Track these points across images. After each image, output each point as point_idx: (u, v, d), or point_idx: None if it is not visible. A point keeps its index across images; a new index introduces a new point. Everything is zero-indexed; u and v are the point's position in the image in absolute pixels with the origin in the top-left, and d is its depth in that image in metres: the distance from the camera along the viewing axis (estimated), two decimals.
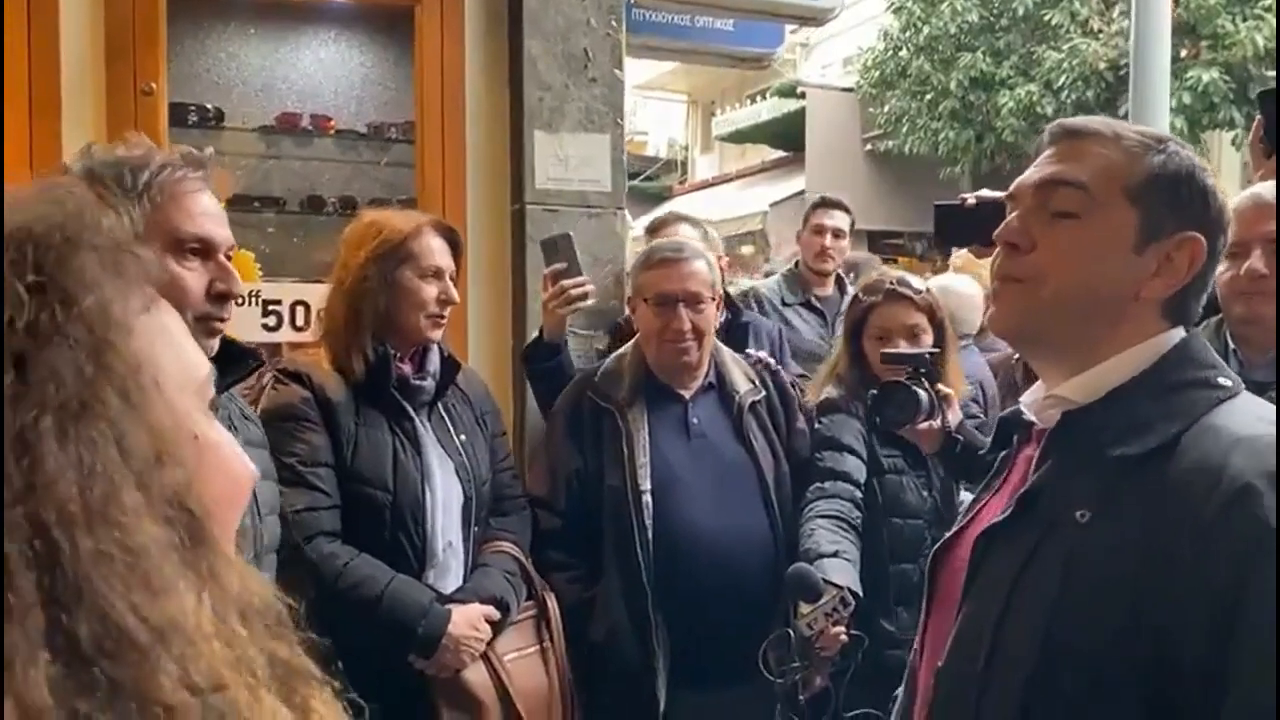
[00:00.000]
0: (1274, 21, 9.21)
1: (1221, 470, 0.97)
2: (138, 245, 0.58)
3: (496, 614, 2.13)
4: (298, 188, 3.04)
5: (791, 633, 2.00)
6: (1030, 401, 1.24)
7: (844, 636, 2.02)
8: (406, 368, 2.16)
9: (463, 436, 2.21)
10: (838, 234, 3.79)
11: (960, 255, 5.28)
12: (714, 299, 2.38)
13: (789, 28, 6.54)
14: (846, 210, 3.87)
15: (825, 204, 3.88)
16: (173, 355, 0.57)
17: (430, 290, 2.13)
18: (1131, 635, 0.99)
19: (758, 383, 2.45)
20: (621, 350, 2.45)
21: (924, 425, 2.20)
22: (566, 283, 2.51)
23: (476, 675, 2.10)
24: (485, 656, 2.11)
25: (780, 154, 16.86)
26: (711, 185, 18.33)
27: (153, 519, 0.51)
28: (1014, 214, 1.17)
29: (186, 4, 2.77)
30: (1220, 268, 1.93)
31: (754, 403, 2.40)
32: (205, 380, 0.60)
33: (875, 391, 2.23)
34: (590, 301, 2.58)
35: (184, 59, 2.87)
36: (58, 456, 0.48)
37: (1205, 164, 1.17)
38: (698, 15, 5.05)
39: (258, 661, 0.53)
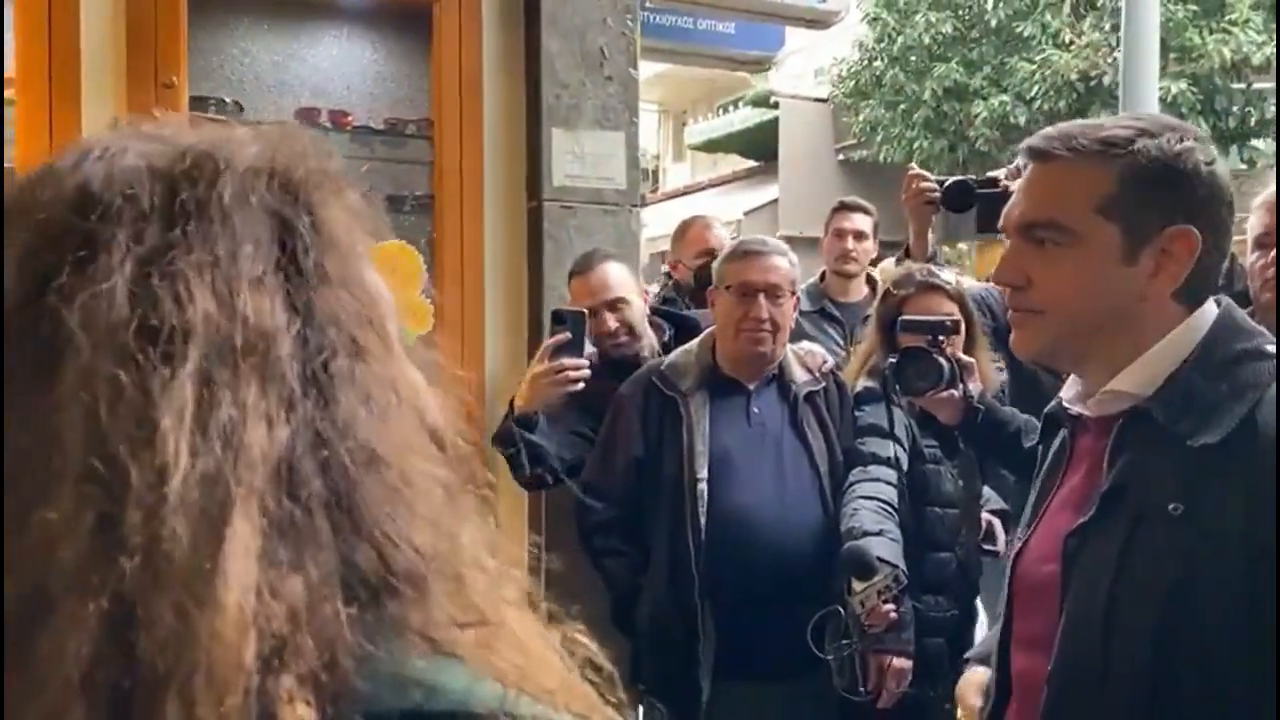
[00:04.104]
0: (1240, 35, 9.45)
1: None
2: (358, 188, 0.60)
3: None
4: None
5: (842, 610, 2.02)
6: (1072, 395, 1.24)
7: (893, 614, 2.04)
8: None
9: None
10: (859, 236, 3.66)
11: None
12: (792, 295, 2.40)
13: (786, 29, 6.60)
14: (868, 212, 3.73)
15: (845, 207, 3.75)
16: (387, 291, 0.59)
17: None
18: (1254, 616, 1.02)
19: (817, 374, 2.45)
20: (689, 345, 2.47)
21: (945, 394, 2.15)
22: (568, 361, 2.34)
23: None
24: None
25: (753, 163, 16.95)
26: (685, 194, 18.35)
27: (428, 457, 0.52)
28: (1005, 252, 1.18)
29: None
30: (1251, 257, 1.99)
31: (811, 393, 2.41)
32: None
33: (894, 358, 2.20)
34: (580, 387, 2.40)
35: (199, 53, 2.85)
36: (350, 397, 0.49)
37: (1186, 142, 1.12)
38: (700, 18, 5.08)
39: (511, 587, 0.55)
